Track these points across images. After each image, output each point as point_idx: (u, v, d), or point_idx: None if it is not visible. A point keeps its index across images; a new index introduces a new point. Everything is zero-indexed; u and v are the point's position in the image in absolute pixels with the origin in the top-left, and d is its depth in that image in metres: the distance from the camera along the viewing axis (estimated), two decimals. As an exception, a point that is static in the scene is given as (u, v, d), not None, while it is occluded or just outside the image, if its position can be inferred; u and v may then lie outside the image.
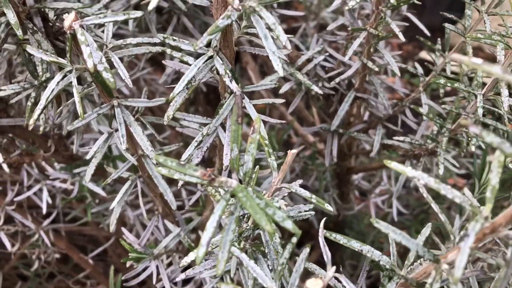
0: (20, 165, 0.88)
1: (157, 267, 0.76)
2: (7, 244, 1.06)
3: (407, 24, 0.80)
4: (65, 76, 0.55)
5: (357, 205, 1.18)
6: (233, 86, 0.53)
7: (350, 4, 0.68)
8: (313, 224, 1.18)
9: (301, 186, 1.04)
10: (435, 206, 0.43)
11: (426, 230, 0.48)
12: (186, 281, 0.79)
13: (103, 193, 0.84)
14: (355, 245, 0.48)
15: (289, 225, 0.41)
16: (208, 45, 0.56)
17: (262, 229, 0.50)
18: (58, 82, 0.55)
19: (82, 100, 0.66)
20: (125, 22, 0.89)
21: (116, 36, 0.95)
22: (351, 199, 1.18)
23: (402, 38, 0.72)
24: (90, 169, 0.65)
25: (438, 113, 0.79)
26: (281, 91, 0.82)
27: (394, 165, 0.41)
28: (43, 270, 1.34)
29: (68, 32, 0.50)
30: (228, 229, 0.43)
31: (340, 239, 0.48)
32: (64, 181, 0.97)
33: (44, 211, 1.01)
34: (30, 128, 0.56)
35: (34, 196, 1.05)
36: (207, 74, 0.56)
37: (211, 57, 0.55)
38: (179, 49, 0.59)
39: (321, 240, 0.45)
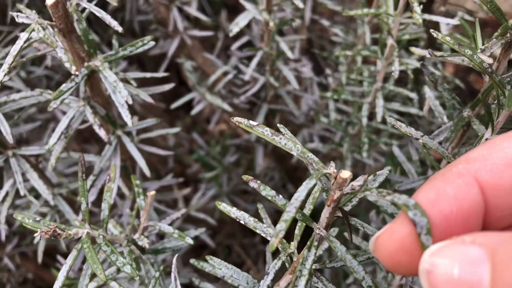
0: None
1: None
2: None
3: (303, 37, 0.83)
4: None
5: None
6: (102, 133, 0.57)
7: (233, 30, 0.72)
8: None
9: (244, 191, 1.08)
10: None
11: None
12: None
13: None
14: (219, 272, 0.52)
15: (127, 269, 0.46)
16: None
17: (134, 276, 0.54)
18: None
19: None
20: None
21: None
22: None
23: (290, 55, 0.76)
24: (4, 211, 0.70)
25: (340, 120, 0.82)
26: (193, 112, 0.86)
27: (222, 206, 0.46)
28: (23, 288, 1.40)
29: None
30: (84, 274, 0.48)
31: (206, 267, 0.53)
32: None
33: (3, 238, 1.07)
34: None
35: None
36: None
37: (84, 105, 0.59)
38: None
39: (173, 275, 0.50)
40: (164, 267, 0.59)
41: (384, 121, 0.77)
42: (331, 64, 0.92)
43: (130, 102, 0.50)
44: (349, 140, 0.80)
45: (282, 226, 0.30)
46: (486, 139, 0.45)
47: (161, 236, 0.77)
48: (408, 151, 0.69)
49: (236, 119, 0.39)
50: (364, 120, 0.72)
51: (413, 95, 0.69)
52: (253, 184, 0.42)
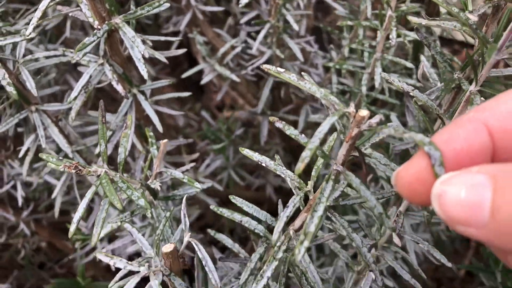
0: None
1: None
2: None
3: (309, 12, 0.87)
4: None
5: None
6: (119, 88, 0.62)
7: (242, 2, 0.76)
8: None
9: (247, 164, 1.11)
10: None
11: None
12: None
13: (57, 183, 0.95)
14: (237, 217, 0.56)
15: (141, 202, 0.51)
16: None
17: (147, 209, 0.59)
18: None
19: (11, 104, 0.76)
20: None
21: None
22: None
23: (295, 27, 0.80)
24: (25, 166, 0.75)
25: (342, 90, 0.87)
26: (203, 82, 0.91)
27: (246, 151, 0.50)
28: (33, 259, 1.46)
29: (-26, 54, 0.60)
30: (102, 209, 0.53)
31: (225, 212, 0.57)
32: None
33: (20, 203, 1.12)
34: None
35: (13, 190, 1.16)
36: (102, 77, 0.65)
37: (102, 63, 0.64)
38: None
39: (183, 213, 0.54)
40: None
41: (382, 91, 0.81)
42: (335, 40, 0.96)
43: (147, 55, 0.55)
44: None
45: (307, 153, 0.34)
46: (471, 91, 0.49)
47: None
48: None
49: (265, 66, 0.43)
50: (364, 89, 0.76)
51: (410, 64, 0.73)
52: (279, 124, 0.47)
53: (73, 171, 0.51)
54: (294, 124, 1.03)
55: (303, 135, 0.46)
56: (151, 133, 0.62)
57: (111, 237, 0.95)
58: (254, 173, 1.25)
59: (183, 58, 1.56)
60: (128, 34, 0.56)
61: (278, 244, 0.52)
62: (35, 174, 1.04)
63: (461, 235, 1.24)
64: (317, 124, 1.06)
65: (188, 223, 0.54)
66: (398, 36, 0.70)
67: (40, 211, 1.34)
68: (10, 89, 0.61)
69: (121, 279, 0.55)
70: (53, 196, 0.81)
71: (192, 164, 0.67)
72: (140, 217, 0.76)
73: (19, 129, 0.96)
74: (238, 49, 0.92)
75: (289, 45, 0.85)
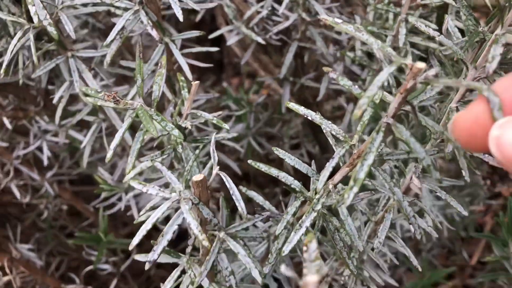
0: (16, 120, 1.03)
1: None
2: (18, 195, 1.22)
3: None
4: (25, 33, 0.68)
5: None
6: (154, 33, 0.65)
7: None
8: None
9: (267, 133, 1.14)
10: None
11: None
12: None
13: (83, 138, 0.98)
14: (274, 171, 0.59)
15: (175, 133, 0.54)
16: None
17: (179, 141, 0.62)
18: (19, 38, 0.68)
19: (49, 54, 0.80)
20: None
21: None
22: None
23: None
24: (58, 112, 0.79)
25: (365, 52, 0.88)
26: (229, 43, 0.94)
27: (291, 105, 0.52)
28: (55, 223, 1.50)
29: (20, -5, 0.63)
30: (136, 140, 0.56)
31: (262, 166, 0.59)
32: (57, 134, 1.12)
33: (45, 162, 1.16)
34: (1, 76, 0.70)
35: (38, 151, 1.20)
36: (138, 24, 0.68)
37: (137, 10, 0.67)
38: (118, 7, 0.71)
39: (212, 148, 0.57)
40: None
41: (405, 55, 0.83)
42: (360, 5, 0.98)
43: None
44: (373, 74, 0.86)
45: (364, 101, 0.36)
46: (496, 35, 0.51)
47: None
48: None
49: (323, 16, 0.45)
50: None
51: (434, 25, 0.74)
52: (332, 75, 0.48)
53: (112, 100, 0.54)
54: (316, 91, 1.06)
55: (356, 86, 0.48)
56: (182, 78, 0.65)
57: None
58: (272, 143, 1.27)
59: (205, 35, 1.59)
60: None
61: (317, 196, 0.54)
62: (62, 131, 1.08)
63: (474, 221, 1.25)
64: (336, 92, 1.08)
65: (217, 158, 0.56)
66: (424, -3, 0.72)
67: (63, 173, 1.39)
68: (51, 29, 0.64)
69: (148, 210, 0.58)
70: (82, 145, 0.84)
71: (220, 113, 0.70)
72: (167, 165, 0.79)
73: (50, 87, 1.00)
74: (264, 13, 0.94)
75: (315, 7, 0.87)
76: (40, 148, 1.14)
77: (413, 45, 0.81)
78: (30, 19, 0.68)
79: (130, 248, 0.49)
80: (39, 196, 1.35)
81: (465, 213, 0.62)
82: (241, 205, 0.53)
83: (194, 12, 1.14)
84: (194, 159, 0.59)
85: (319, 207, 0.52)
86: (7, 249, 1.20)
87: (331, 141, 0.53)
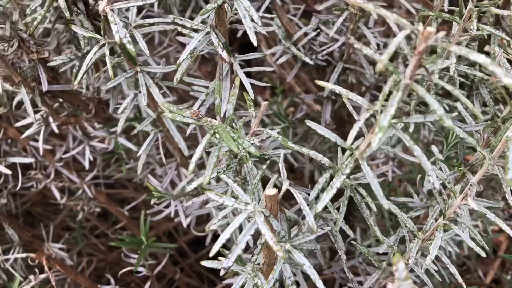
0: (67, 125, 1.08)
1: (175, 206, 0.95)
2: (57, 196, 1.27)
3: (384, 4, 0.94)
4: (100, 48, 0.73)
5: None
6: (224, 55, 0.69)
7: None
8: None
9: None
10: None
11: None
12: (199, 216, 0.97)
13: (133, 147, 1.03)
14: (304, 150, 0.64)
15: (252, 149, 0.58)
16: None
17: (244, 162, 0.66)
18: (95, 53, 0.73)
19: (114, 68, 0.85)
20: (152, 5, 1.07)
21: (145, 17, 1.12)
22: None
23: (375, 15, 0.86)
24: (121, 122, 0.83)
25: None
26: (278, 62, 0.98)
27: (321, 82, 0.57)
28: (86, 224, 1.55)
29: (102, 14, 0.68)
30: (212, 155, 0.60)
31: (294, 146, 0.64)
32: (103, 140, 1.17)
33: (87, 166, 1.21)
34: (75, 87, 0.75)
35: (78, 155, 1.25)
36: (206, 46, 0.73)
37: (208, 32, 0.71)
38: (186, 27, 0.76)
39: (281, 165, 0.61)
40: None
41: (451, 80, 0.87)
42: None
43: (260, 24, 0.62)
44: (416, 99, 0.91)
45: (385, 56, 0.42)
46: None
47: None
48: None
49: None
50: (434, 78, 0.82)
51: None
52: (357, 45, 0.52)
53: (195, 118, 0.58)
54: (356, 109, 1.10)
55: (377, 53, 0.52)
56: (249, 97, 0.70)
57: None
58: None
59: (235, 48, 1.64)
60: (244, 4, 0.63)
61: (345, 162, 0.57)
62: (111, 138, 1.13)
63: (489, 241, 1.27)
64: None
65: (285, 174, 0.61)
66: (477, 29, 0.76)
67: (99, 177, 1.43)
68: (130, 46, 0.68)
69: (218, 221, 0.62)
70: (139, 153, 0.88)
71: (278, 130, 0.74)
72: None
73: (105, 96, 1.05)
74: (312, 35, 0.99)
75: (365, 33, 0.91)
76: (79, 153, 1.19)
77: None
78: (103, 35, 0.73)
79: (211, 255, 0.53)
80: (75, 198, 1.40)
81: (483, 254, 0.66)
82: (311, 220, 0.57)
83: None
84: (262, 173, 0.64)
85: (347, 171, 0.55)
86: (39, 248, 1.24)
87: (355, 116, 0.57)
